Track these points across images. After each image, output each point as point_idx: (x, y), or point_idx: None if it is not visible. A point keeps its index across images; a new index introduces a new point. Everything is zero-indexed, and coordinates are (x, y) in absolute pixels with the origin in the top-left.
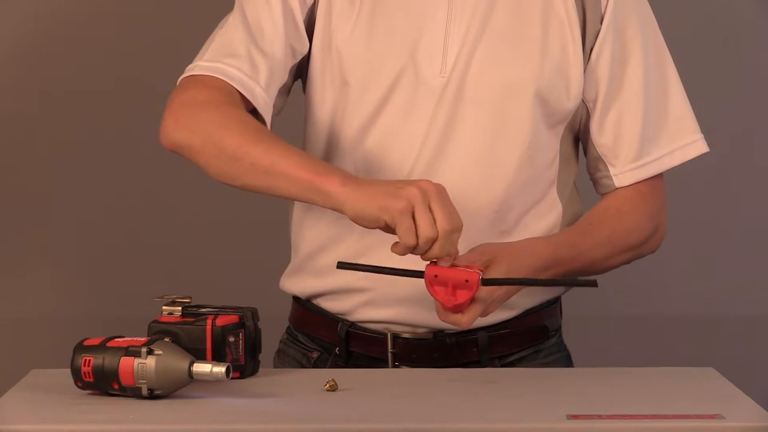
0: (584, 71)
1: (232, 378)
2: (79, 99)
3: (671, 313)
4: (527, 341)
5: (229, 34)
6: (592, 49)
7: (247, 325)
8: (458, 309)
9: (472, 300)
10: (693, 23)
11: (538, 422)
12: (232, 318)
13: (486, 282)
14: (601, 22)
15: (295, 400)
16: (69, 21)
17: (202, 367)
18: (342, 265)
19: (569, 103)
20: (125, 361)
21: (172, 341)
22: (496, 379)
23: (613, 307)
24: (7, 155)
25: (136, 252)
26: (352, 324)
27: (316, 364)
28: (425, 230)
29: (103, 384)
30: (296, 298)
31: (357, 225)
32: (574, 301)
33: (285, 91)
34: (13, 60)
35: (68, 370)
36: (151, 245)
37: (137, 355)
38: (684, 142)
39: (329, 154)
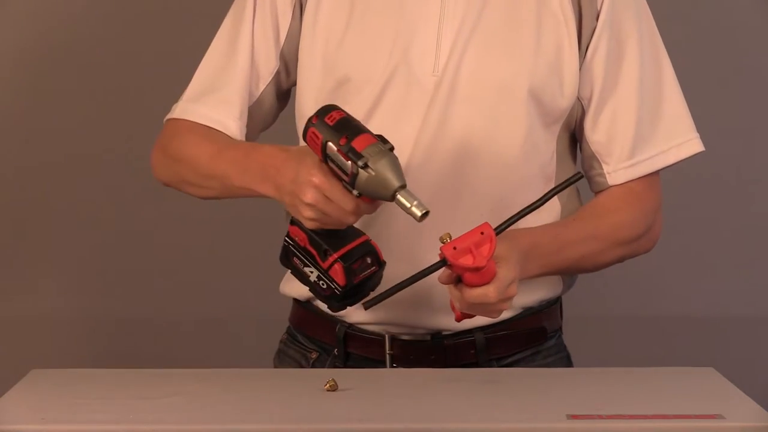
0: (579, 69)
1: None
2: (80, 99)
3: (671, 314)
4: (525, 343)
5: (204, 68)
6: (587, 47)
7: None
8: (488, 275)
9: (494, 274)
10: (691, 23)
11: (538, 422)
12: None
13: (498, 229)
14: (597, 19)
15: (295, 400)
16: (69, 21)
17: (405, 198)
18: (369, 305)
19: (564, 101)
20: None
21: None
22: (496, 379)
23: (613, 308)
24: (8, 155)
25: (136, 252)
26: (351, 326)
27: (315, 365)
28: (340, 218)
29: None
30: (296, 299)
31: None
32: (574, 301)
33: (272, 107)
34: (13, 60)
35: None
36: (152, 246)
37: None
38: (678, 141)
39: None
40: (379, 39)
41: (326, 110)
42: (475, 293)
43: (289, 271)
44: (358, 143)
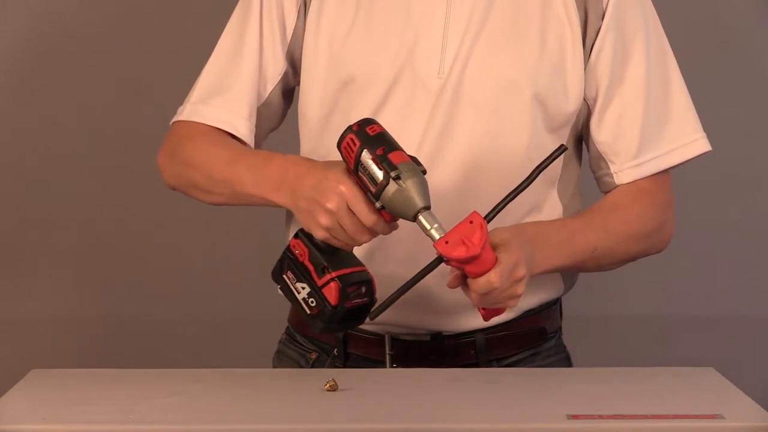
0: (585, 70)
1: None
2: (80, 99)
3: (671, 314)
4: (525, 343)
5: (210, 69)
6: (593, 46)
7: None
8: (488, 262)
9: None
10: (696, 22)
11: (538, 422)
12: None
13: (487, 216)
14: (603, 18)
15: (295, 400)
16: (71, 20)
17: (426, 220)
18: (375, 315)
19: (569, 106)
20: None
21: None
22: (496, 379)
23: (613, 308)
24: (8, 155)
25: (136, 253)
26: None
27: (314, 365)
28: (355, 233)
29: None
30: None
31: None
32: (574, 301)
33: (280, 107)
34: (14, 59)
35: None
36: (151, 246)
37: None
38: (685, 140)
39: (327, 158)
40: (384, 40)
41: (368, 122)
42: (479, 282)
43: (279, 287)
44: (394, 156)
